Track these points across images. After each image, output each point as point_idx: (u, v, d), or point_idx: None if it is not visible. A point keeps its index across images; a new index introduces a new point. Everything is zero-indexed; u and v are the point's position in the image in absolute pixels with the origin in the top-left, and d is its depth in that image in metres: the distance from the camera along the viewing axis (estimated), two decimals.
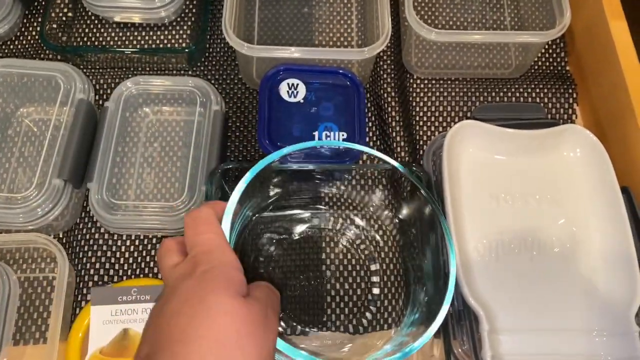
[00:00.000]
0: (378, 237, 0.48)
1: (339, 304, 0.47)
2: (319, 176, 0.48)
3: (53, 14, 0.55)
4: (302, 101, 0.49)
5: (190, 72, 0.57)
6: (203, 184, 0.48)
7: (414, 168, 0.47)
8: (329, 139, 0.48)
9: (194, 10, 0.59)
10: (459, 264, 0.42)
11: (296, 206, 0.49)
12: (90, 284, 0.48)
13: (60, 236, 0.50)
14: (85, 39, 0.58)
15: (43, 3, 0.59)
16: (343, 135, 0.48)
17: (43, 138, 0.47)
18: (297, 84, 0.50)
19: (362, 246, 0.49)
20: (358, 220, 0.49)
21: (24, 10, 0.58)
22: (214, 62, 0.58)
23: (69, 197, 0.47)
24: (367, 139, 0.54)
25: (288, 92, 0.49)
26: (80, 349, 0.44)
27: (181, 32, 0.59)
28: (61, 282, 0.44)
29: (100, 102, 0.55)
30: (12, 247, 0.46)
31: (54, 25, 0.55)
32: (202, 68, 0.57)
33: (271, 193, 0.47)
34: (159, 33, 0.59)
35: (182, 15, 0.59)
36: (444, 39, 0.51)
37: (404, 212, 0.48)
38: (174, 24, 0.59)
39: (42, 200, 0.45)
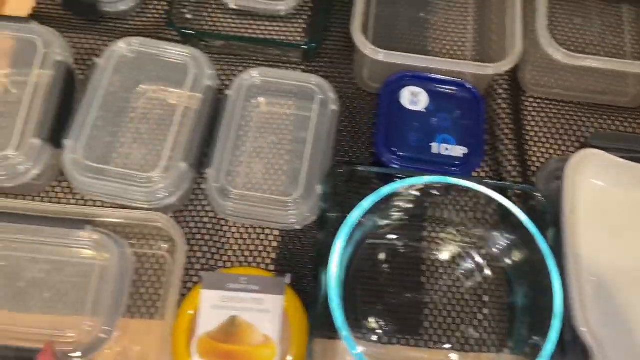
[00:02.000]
0: (485, 265, 0.49)
1: (439, 319, 0.48)
2: (436, 194, 0.48)
3: None
4: (423, 110, 0.49)
5: (302, 67, 0.57)
6: (318, 182, 0.48)
7: (536, 196, 0.46)
8: (447, 151, 0.48)
9: (310, 5, 0.60)
10: (573, 298, 0.42)
11: (410, 224, 0.49)
12: (197, 266, 0.50)
13: (170, 216, 0.52)
14: (202, 22, 0.59)
15: None
16: (463, 150, 0.48)
17: (169, 122, 0.48)
18: (420, 93, 0.50)
19: (470, 271, 0.49)
20: (468, 247, 0.50)
21: None
22: (326, 59, 0.58)
23: (189, 182, 0.48)
24: (499, 154, 0.53)
25: (409, 99, 0.49)
26: (188, 329, 0.46)
27: (296, 25, 0.59)
28: (179, 261, 0.45)
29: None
30: (131, 222, 0.48)
31: (177, 6, 0.56)
32: (313, 64, 0.58)
33: (389, 210, 0.48)
34: (274, 24, 0.59)
35: (299, 8, 0.59)
36: (573, 62, 0.50)
37: (515, 243, 0.48)
38: (289, 16, 0.59)
39: (167, 183, 0.46)
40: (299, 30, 0.59)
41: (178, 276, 0.45)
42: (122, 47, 0.50)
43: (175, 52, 0.51)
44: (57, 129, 0.48)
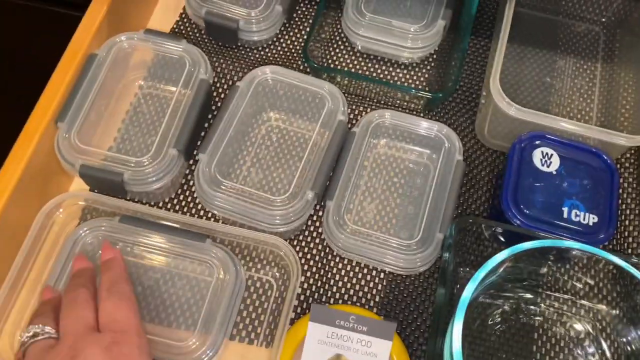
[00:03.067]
0: (605, 347, 0.46)
1: None
2: (559, 261, 0.46)
3: (314, 31, 0.58)
4: (554, 172, 0.48)
5: (422, 115, 0.58)
6: (438, 231, 0.48)
7: None
8: (578, 218, 0.46)
9: (434, 57, 0.61)
10: None
11: (527, 288, 0.48)
12: (302, 297, 0.49)
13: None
14: (329, 61, 0.60)
15: (296, 18, 0.63)
16: (593, 218, 0.46)
17: (301, 151, 0.49)
18: (552, 154, 0.49)
19: (587, 350, 0.47)
20: (588, 325, 0.47)
21: (284, 21, 0.61)
22: (446, 110, 0.58)
23: (310, 211, 0.48)
24: (623, 228, 0.52)
25: (541, 160, 0.49)
26: (292, 358, 0.45)
27: (419, 74, 0.60)
28: (293, 289, 0.45)
29: None
30: (247, 242, 0.48)
31: (310, 43, 0.58)
32: (433, 114, 0.58)
33: (507, 270, 0.46)
34: (398, 71, 0.60)
35: (424, 59, 0.61)
36: None
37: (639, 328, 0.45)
38: (413, 64, 0.61)
39: (292, 210, 0.46)
40: (421, 79, 0.60)
41: (290, 304, 0.44)
42: (266, 72, 0.52)
43: (314, 86, 0.52)
44: (191, 143, 0.50)
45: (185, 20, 0.62)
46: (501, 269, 0.46)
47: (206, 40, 0.61)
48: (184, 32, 0.61)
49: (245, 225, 0.48)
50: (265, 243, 0.47)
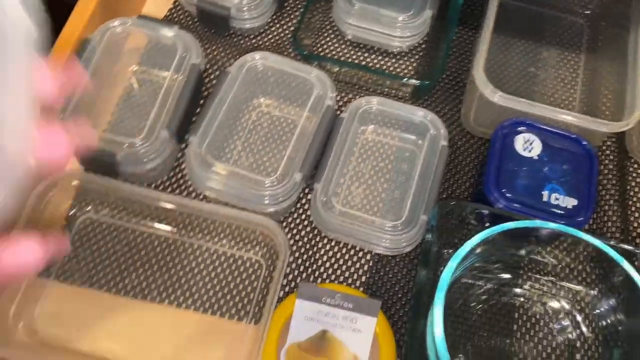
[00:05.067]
0: (582, 322, 0.48)
1: None
2: (539, 241, 0.48)
3: (304, 20, 0.59)
4: (535, 157, 0.50)
5: (410, 102, 0.59)
6: (420, 214, 0.49)
7: None
8: (557, 201, 0.48)
9: (422, 46, 0.62)
10: None
11: (507, 268, 0.49)
12: (290, 276, 0.51)
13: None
14: (319, 49, 0.62)
15: (292, 5, 0.64)
16: (573, 201, 0.48)
17: (290, 135, 0.50)
18: (534, 140, 0.50)
19: (565, 326, 0.48)
20: (566, 302, 0.49)
21: (275, 9, 0.62)
22: (434, 98, 0.60)
23: (298, 192, 0.49)
24: (602, 212, 0.53)
25: (523, 145, 0.50)
26: (279, 335, 0.46)
27: (408, 63, 0.61)
28: (281, 268, 0.46)
29: None
30: (237, 223, 0.49)
31: (300, 31, 0.59)
32: (420, 102, 0.59)
33: (488, 251, 0.48)
34: (387, 59, 0.61)
35: (412, 48, 0.62)
36: None
37: (618, 304, 0.47)
38: (402, 53, 0.62)
39: (281, 191, 0.48)
40: (409, 68, 0.61)
41: (278, 282, 0.46)
42: (255, 58, 0.53)
43: (303, 72, 0.53)
44: (182, 126, 0.51)
45: (178, 7, 0.63)
46: (482, 250, 0.48)
47: (198, 27, 0.62)
48: (177, 19, 0.62)
49: (236, 206, 0.49)
50: (254, 224, 0.48)
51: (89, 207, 0.51)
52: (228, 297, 0.49)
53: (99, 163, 0.48)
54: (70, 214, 0.51)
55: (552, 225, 0.44)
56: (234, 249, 0.51)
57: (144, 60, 0.56)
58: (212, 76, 0.59)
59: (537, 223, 0.44)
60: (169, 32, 0.54)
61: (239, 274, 0.50)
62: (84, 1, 0.55)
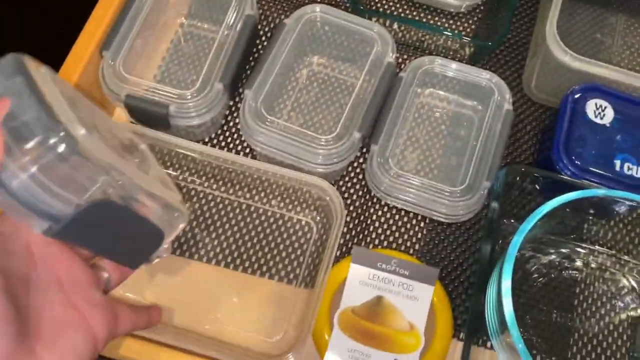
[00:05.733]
0: None
1: (588, 347, 0.45)
2: (608, 214, 0.45)
3: None
4: (607, 125, 0.47)
5: (471, 63, 0.56)
6: (485, 179, 0.47)
7: None
8: (630, 171, 0.45)
9: (482, 7, 0.59)
10: None
11: (570, 241, 0.47)
12: (343, 240, 0.49)
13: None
14: (378, 6, 0.58)
15: None
16: None
17: (348, 93, 0.48)
18: (606, 107, 0.47)
19: (628, 303, 0.46)
20: (632, 278, 0.47)
21: None
22: (494, 60, 0.57)
23: (356, 153, 0.47)
24: None
25: (594, 112, 0.47)
26: (331, 299, 0.45)
27: (467, 23, 0.58)
28: (336, 232, 0.44)
29: None
30: (293, 184, 0.47)
31: None
32: (479, 65, 0.56)
33: (551, 222, 0.46)
34: (445, 19, 0.58)
35: (471, 9, 0.59)
36: None
37: None
38: (463, 13, 0.59)
39: (338, 150, 0.45)
40: (467, 30, 0.58)
41: (333, 247, 0.44)
42: (315, 10, 0.50)
43: (364, 27, 0.50)
44: (236, 79, 0.49)
45: None
46: (546, 222, 0.46)
47: None
48: None
49: (288, 164, 0.47)
50: (308, 184, 0.46)
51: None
52: (278, 258, 0.48)
53: (151, 114, 0.46)
54: None
55: (623, 193, 0.42)
56: (284, 209, 0.49)
57: (196, 10, 0.54)
58: (266, 28, 0.56)
59: (604, 192, 0.41)
60: None
61: (288, 236, 0.48)
62: None
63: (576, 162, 0.46)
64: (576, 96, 0.48)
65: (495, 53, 0.57)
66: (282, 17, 0.56)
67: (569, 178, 0.45)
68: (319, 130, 0.51)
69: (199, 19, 0.54)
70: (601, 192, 0.41)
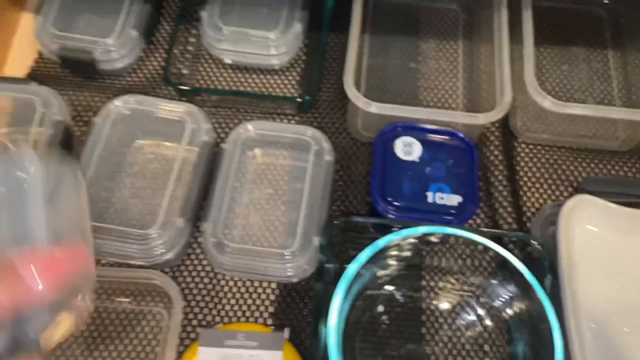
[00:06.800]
0: (485, 314, 0.49)
1: None
2: (433, 243, 0.48)
3: (175, 52, 0.57)
4: (417, 160, 0.50)
5: (297, 119, 0.58)
6: (315, 234, 0.48)
7: (532, 243, 0.46)
8: (442, 200, 0.48)
9: (303, 58, 0.61)
10: (573, 346, 0.41)
11: (408, 274, 0.49)
12: (195, 322, 0.49)
13: (167, 270, 0.51)
14: (198, 77, 0.60)
15: (159, 39, 0.62)
16: (458, 198, 0.48)
17: (166, 177, 0.48)
18: (413, 143, 0.50)
19: (470, 321, 0.49)
20: (468, 297, 0.49)
21: (142, 45, 0.60)
22: (320, 110, 0.59)
23: (186, 237, 0.48)
24: (493, 199, 0.54)
25: (403, 149, 0.50)
26: None
27: (290, 78, 0.60)
28: (176, 319, 0.45)
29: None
30: (127, 281, 0.47)
31: (173, 63, 0.57)
32: (307, 115, 0.59)
33: (387, 260, 0.48)
34: (268, 77, 0.60)
35: (292, 62, 0.61)
36: (561, 110, 0.51)
37: (513, 292, 0.47)
38: (283, 69, 0.61)
39: (164, 239, 0.46)
40: (293, 82, 0.60)
41: (175, 333, 0.44)
42: (119, 105, 0.51)
43: (171, 109, 0.51)
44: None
45: (44, 58, 0.60)
46: (378, 262, 0.48)
47: (69, 75, 0.59)
48: (44, 70, 0.59)
49: (122, 263, 0.47)
50: (143, 278, 0.46)
51: None
52: (132, 354, 0.47)
53: None
54: None
55: (434, 229, 0.44)
56: (133, 304, 0.49)
57: (9, 122, 0.54)
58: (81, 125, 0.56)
59: (418, 230, 0.44)
60: (25, 90, 0.51)
61: (141, 329, 0.48)
62: None
63: (394, 202, 0.48)
64: (385, 137, 0.51)
65: (322, 99, 0.59)
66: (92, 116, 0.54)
67: (386, 220, 0.47)
68: (145, 222, 0.51)
69: (14, 126, 0.53)
70: (405, 232, 0.44)
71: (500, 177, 0.54)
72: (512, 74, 0.54)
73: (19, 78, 0.57)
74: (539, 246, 0.46)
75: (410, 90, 0.60)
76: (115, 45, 0.56)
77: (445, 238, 0.48)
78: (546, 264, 0.46)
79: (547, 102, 0.50)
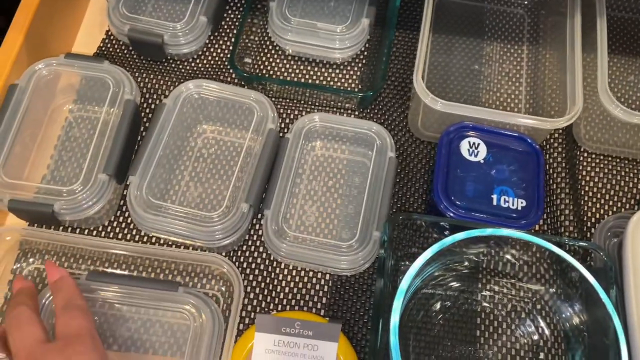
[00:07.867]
0: (543, 322, 0.48)
1: None
2: (494, 246, 0.48)
3: (240, 40, 0.58)
4: (481, 161, 0.49)
5: (355, 113, 0.58)
6: (375, 229, 0.48)
7: (598, 253, 0.45)
8: (507, 204, 0.48)
9: (365, 54, 0.61)
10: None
11: (466, 275, 0.49)
12: (249, 307, 0.50)
13: (223, 255, 0.52)
14: (261, 67, 0.60)
15: (225, 27, 0.63)
16: (522, 202, 0.48)
17: (234, 164, 0.49)
18: (479, 144, 0.50)
19: (527, 327, 0.48)
20: (526, 303, 0.49)
21: (210, 32, 0.61)
22: (380, 106, 0.59)
23: (248, 223, 0.48)
24: (555, 207, 0.53)
25: (469, 150, 0.50)
26: None
27: (351, 72, 0.60)
28: (236, 304, 0.45)
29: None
30: (187, 262, 0.48)
31: (238, 51, 0.58)
32: (367, 110, 0.59)
33: (446, 260, 0.48)
34: (330, 71, 0.61)
35: (355, 57, 0.61)
36: (632, 119, 0.50)
37: (574, 301, 0.47)
38: (345, 64, 0.61)
39: (228, 224, 0.47)
40: (354, 77, 0.60)
41: (234, 317, 0.45)
42: (191, 87, 0.52)
43: (242, 96, 0.52)
44: (122, 165, 0.50)
45: (112, 39, 0.61)
46: (437, 260, 0.48)
47: (135, 57, 0.60)
48: (111, 51, 0.60)
49: (184, 243, 0.48)
50: (205, 261, 0.47)
51: (33, 259, 0.50)
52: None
53: (37, 215, 0.46)
54: (14, 267, 0.49)
55: (502, 231, 0.44)
56: (189, 285, 0.50)
57: (79, 98, 0.55)
58: (152, 106, 0.57)
59: (485, 232, 0.44)
60: (98, 68, 0.52)
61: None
62: (7, 44, 0.53)
63: (457, 202, 0.48)
64: (450, 137, 0.50)
65: (383, 96, 0.59)
66: (167, 93, 0.57)
67: (447, 219, 0.47)
68: (209, 205, 0.52)
69: (85, 103, 0.55)
70: (475, 232, 0.43)
71: (562, 185, 0.54)
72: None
73: (92, 56, 0.58)
74: (604, 257, 0.45)
75: (472, 91, 0.59)
76: (184, 30, 0.57)
77: (508, 241, 0.48)
78: (611, 275, 0.45)
79: (619, 111, 0.50)
